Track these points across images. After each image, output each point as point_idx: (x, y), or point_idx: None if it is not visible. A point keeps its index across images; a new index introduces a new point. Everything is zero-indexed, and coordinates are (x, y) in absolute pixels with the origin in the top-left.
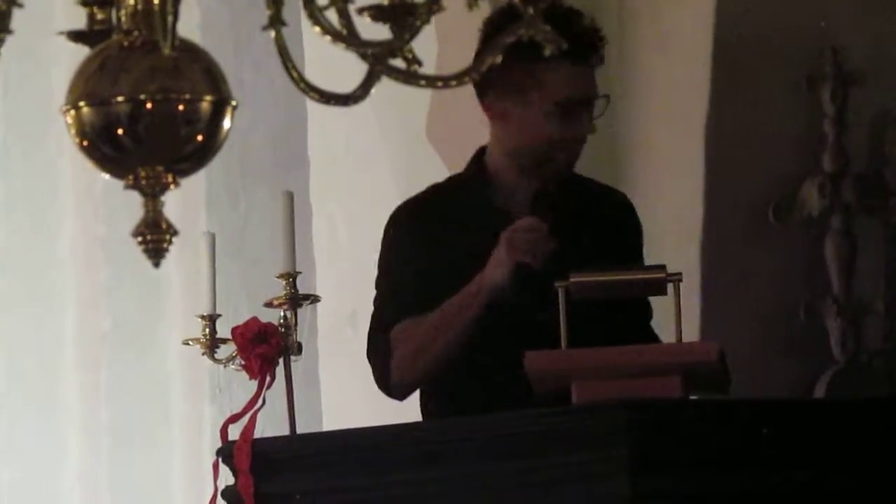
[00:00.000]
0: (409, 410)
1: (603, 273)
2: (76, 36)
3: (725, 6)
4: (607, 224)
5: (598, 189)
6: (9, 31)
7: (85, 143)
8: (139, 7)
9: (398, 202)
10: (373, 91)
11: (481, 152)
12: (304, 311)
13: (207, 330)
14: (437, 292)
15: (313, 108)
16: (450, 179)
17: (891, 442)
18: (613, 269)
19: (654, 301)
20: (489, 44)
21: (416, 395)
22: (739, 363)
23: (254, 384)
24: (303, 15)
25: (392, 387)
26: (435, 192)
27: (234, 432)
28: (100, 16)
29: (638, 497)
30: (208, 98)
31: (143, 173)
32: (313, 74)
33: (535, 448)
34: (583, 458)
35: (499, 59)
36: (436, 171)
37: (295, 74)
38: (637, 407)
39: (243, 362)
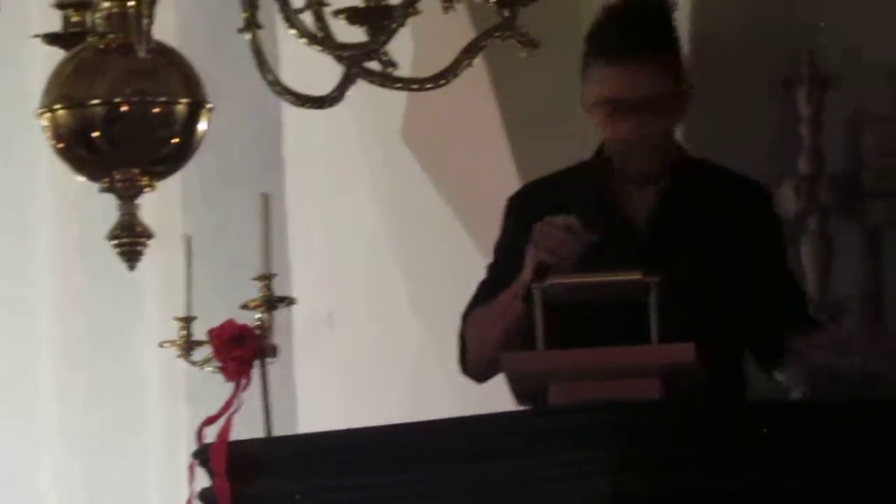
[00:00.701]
0: (385, 410)
1: (580, 275)
2: (52, 38)
3: (702, 7)
4: (736, 220)
5: (731, 182)
6: None
7: (61, 145)
8: (115, 10)
9: (374, 204)
10: (348, 93)
11: None
12: (280, 314)
13: (184, 332)
14: None
15: (289, 110)
16: (576, 165)
17: (868, 444)
18: (592, 271)
19: None
20: (466, 46)
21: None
22: None
23: (230, 386)
24: (279, 17)
25: (467, 371)
26: (556, 174)
27: (211, 434)
28: (75, 18)
29: (619, 497)
30: (184, 100)
31: (118, 176)
32: (289, 77)
33: (518, 448)
34: (565, 458)
35: (473, 61)
36: (412, 173)
37: (270, 77)
38: (620, 408)
39: (219, 364)
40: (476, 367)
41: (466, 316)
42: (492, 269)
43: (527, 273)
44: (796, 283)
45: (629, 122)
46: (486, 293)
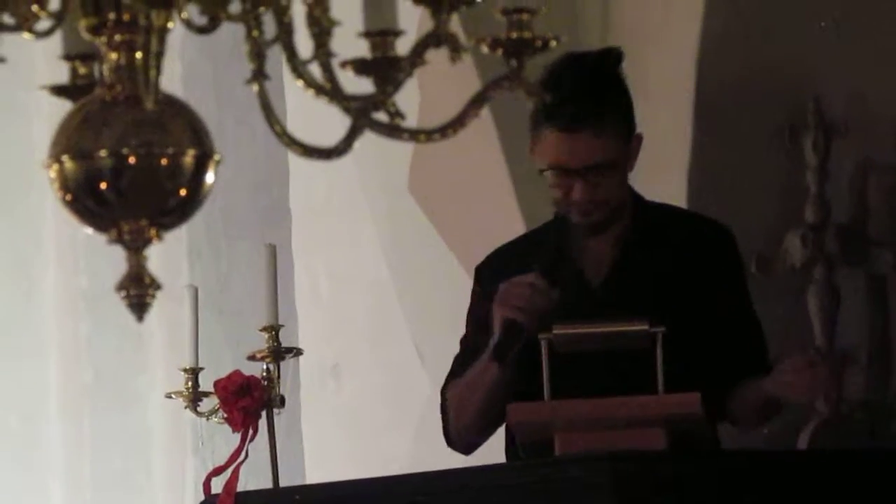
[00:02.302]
0: (392, 461)
1: (586, 325)
2: (59, 90)
3: (707, 55)
4: (697, 265)
5: (692, 225)
6: None
7: (68, 197)
8: (122, 61)
9: (380, 255)
10: (355, 144)
11: None
12: (286, 364)
13: (190, 383)
14: None
15: (296, 160)
16: (538, 227)
17: (873, 494)
18: (597, 321)
19: None
20: (473, 97)
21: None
22: None
23: (236, 437)
24: (285, 67)
25: (452, 443)
26: (518, 238)
27: (217, 485)
28: (82, 70)
29: None
30: (191, 152)
31: (126, 227)
32: (296, 126)
33: (523, 498)
34: None
35: (480, 112)
36: (418, 224)
37: (278, 128)
38: (624, 458)
39: (226, 415)
40: (459, 438)
41: (444, 390)
42: (463, 341)
43: (496, 334)
44: (757, 328)
45: (578, 187)
46: (459, 366)
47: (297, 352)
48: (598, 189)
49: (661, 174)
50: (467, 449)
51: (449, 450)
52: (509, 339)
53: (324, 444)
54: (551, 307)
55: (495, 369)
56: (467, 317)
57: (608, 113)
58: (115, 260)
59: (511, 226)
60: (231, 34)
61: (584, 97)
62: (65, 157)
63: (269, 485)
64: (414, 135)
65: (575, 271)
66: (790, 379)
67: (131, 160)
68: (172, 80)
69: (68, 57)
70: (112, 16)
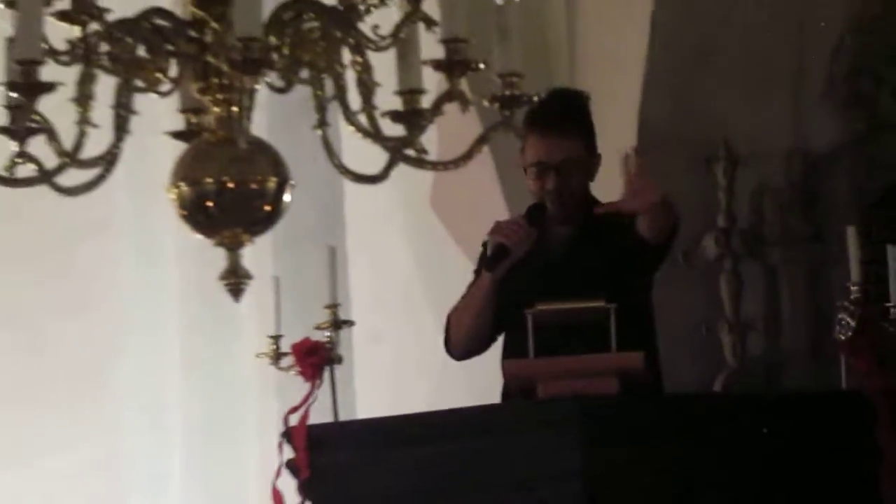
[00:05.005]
0: (420, 403)
1: (559, 304)
2: (177, 135)
3: (644, 105)
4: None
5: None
6: (128, 132)
7: (184, 212)
8: (222, 114)
9: (410, 252)
10: (392, 172)
11: None
12: (343, 332)
13: (273, 346)
14: None
15: (349, 185)
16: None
17: (770, 427)
18: (565, 301)
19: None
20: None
21: None
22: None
23: (307, 385)
24: (341, 117)
25: (451, 352)
26: None
27: (294, 420)
28: (193, 120)
29: (589, 466)
30: (273, 179)
31: (226, 234)
32: (349, 160)
33: (516, 428)
34: (545, 438)
35: (483, 148)
36: (437, 230)
37: (335, 161)
38: (589, 400)
39: (300, 370)
40: (457, 345)
41: (449, 315)
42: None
43: (490, 253)
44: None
45: (552, 177)
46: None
47: (351, 323)
48: (567, 182)
49: (609, 187)
50: (463, 355)
51: (460, 394)
52: (498, 256)
53: (370, 390)
54: (529, 241)
55: (487, 278)
56: (474, 272)
57: (573, 122)
58: (218, 258)
59: None
60: (301, 94)
61: (555, 110)
62: (181, 184)
63: (330, 419)
64: (434, 165)
65: (542, 249)
66: (631, 196)
67: (230, 185)
68: (260, 126)
69: (183, 110)
70: (215, 80)
